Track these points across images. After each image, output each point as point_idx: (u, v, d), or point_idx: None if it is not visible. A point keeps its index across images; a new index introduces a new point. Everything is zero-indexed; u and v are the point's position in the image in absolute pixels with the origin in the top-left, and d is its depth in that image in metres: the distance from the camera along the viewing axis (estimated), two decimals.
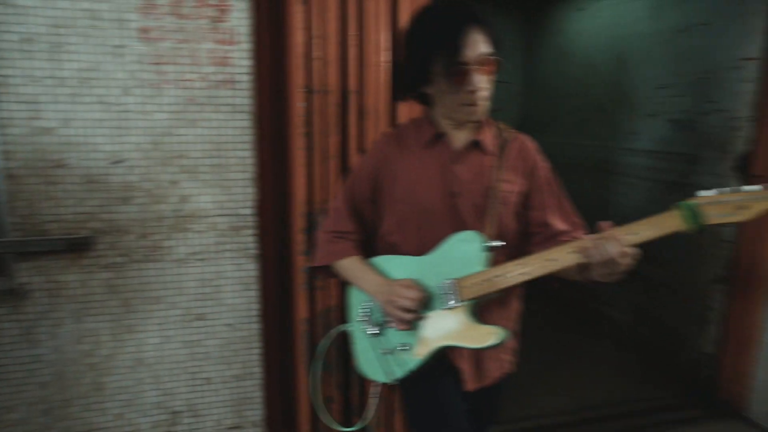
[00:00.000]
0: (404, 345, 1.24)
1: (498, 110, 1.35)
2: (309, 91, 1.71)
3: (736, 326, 2.70)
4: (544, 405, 2.70)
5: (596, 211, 2.89)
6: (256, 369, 1.85)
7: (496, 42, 1.17)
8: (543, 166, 1.33)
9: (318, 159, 1.76)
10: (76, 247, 1.63)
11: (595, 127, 3.84)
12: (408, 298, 1.18)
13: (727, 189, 1.02)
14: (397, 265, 1.28)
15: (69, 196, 1.61)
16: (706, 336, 2.87)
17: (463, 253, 1.19)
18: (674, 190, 3.09)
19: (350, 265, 1.31)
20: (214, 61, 1.65)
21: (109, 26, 1.56)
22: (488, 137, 1.28)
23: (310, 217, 1.79)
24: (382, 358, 1.28)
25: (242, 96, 1.68)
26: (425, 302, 1.21)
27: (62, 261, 1.63)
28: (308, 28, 1.69)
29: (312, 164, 1.76)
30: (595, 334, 3.63)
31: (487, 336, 1.17)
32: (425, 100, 1.28)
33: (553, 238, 1.28)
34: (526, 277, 1.13)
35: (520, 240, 1.31)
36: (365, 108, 1.77)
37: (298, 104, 1.70)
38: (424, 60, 1.17)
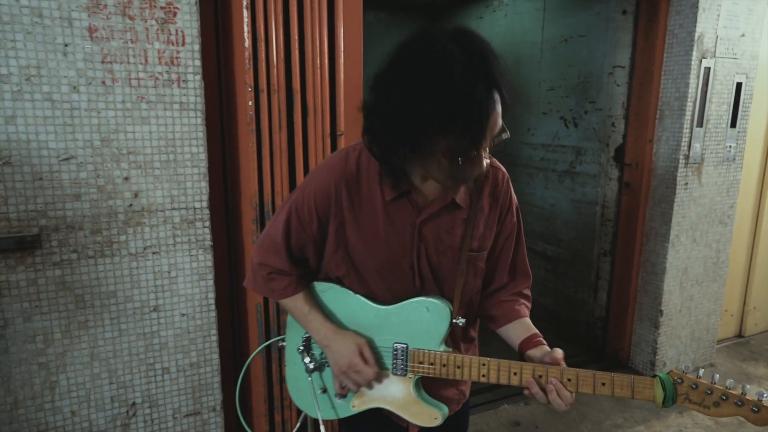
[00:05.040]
0: (342, 390, 1.13)
1: None
2: (256, 90, 1.84)
3: (619, 292, 3.20)
4: None
5: None
6: (214, 356, 1.93)
7: (507, 105, 0.87)
8: (513, 208, 1.16)
9: (266, 153, 1.90)
10: (25, 245, 1.62)
11: None
12: (366, 378, 1.06)
13: (710, 379, 0.95)
14: (349, 307, 1.12)
15: (15, 194, 1.60)
16: (597, 301, 3.37)
17: (426, 324, 1.07)
18: (565, 177, 3.57)
19: (294, 305, 1.13)
20: (164, 60, 1.72)
21: (53, 24, 1.57)
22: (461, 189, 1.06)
23: (261, 208, 1.92)
24: (315, 393, 1.15)
25: (193, 94, 1.76)
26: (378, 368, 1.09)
27: (10, 260, 1.61)
28: (253, 32, 1.82)
29: (261, 158, 1.90)
30: None
31: (428, 418, 1.08)
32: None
33: (493, 295, 1.20)
34: (483, 379, 1.05)
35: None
36: (308, 106, 1.93)
37: (248, 102, 1.82)
38: (421, 129, 0.84)
